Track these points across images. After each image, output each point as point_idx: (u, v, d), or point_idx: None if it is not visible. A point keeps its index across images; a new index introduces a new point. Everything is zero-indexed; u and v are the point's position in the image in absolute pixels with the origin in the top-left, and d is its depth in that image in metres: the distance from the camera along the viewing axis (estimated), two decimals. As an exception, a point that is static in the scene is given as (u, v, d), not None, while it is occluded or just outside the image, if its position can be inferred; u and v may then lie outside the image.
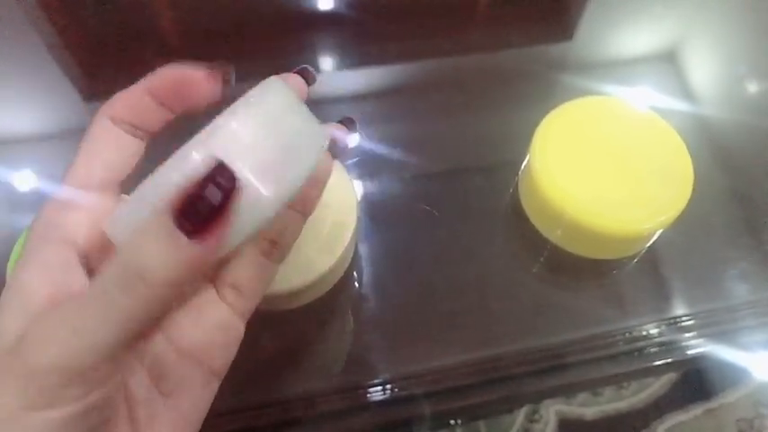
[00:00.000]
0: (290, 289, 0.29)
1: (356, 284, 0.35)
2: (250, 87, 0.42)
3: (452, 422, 0.42)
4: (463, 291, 0.35)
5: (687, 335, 0.35)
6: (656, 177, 0.34)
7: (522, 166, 0.36)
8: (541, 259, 0.37)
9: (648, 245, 0.36)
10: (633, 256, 0.36)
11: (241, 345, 0.29)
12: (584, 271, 0.37)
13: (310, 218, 0.23)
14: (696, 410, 0.77)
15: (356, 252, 0.35)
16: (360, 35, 0.47)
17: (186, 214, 0.16)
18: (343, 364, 0.33)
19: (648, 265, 0.37)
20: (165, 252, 0.16)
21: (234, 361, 0.26)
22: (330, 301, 0.34)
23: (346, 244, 0.31)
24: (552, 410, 0.79)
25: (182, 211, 0.16)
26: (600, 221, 0.32)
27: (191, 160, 0.16)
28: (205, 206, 0.16)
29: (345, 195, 0.32)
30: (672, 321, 0.35)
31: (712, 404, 0.78)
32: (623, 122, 0.35)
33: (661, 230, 0.34)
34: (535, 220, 0.36)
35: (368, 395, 0.32)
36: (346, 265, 0.34)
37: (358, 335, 0.34)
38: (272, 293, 0.29)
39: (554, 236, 0.35)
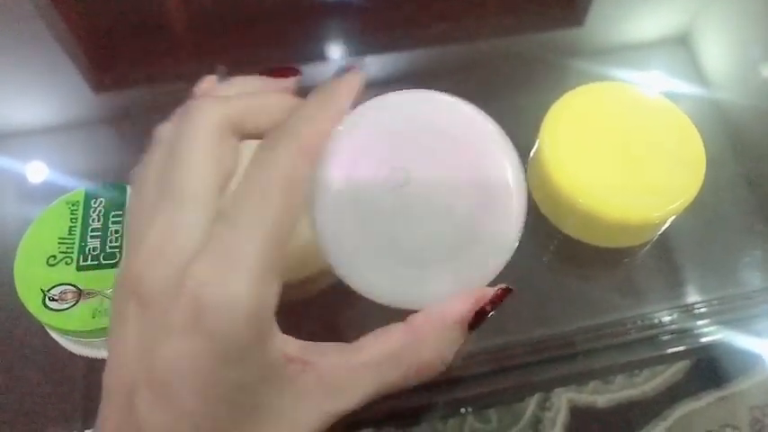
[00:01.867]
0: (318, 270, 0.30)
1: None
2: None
3: (463, 410, 0.42)
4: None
5: (699, 322, 0.34)
6: (667, 164, 0.33)
7: (531, 154, 0.36)
8: (552, 248, 0.36)
9: (660, 232, 0.35)
10: (645, 244, 0.36)
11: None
12: (595, 259, 0.36)
13: None
14: (709, 398, 0.78)
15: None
16: (367, 22, 0.46)
17: (472, 327, 0.22)
18: None
19: (660, 253, 0.36)
20: (449, 357, 0.22)
21: None
22: (339, 290, 0.34)
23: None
24: (564, 398, 0.80)
25: (471, 327, 0.22)
26: (610, 209, 0.32)
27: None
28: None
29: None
30: (684, 309, 0.34)
31: (725, 392, 0.78)
32: (634, 108, 0.35)
33: (673, 217, 0.34)
34: (544, 208, 0.35)
35: None
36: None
37: (367, 324, 0.34)
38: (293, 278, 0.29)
39: (564, 225, 0.35)
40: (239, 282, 0.18)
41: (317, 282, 0.31)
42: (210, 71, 0.44)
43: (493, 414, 0.74)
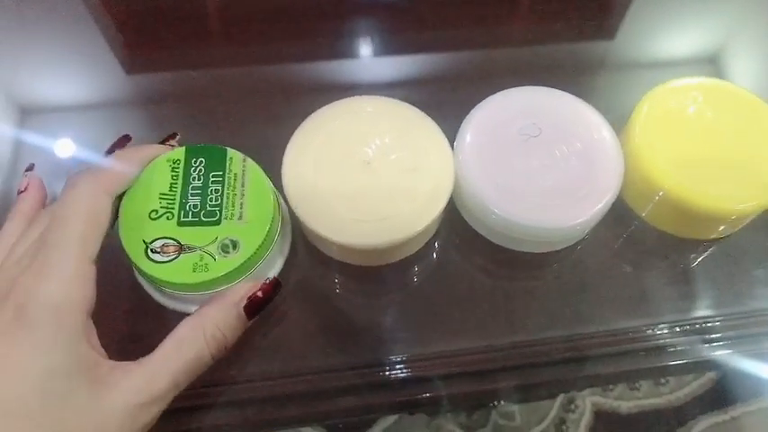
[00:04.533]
0: (390, 242, 0.31)
1: (434, 255, 0.36)
2: (290, 67, 0.45)
3: (492, 404, 0.42)
4: (537, 267, 0.36)
5: (731, 333, 0.34)
6: (757, 162, 0.34)
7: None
8: (625, 235, 0.37)
9: (737, 229, 0.36)
10: (713, 242, 0.37)
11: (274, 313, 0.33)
12: (650, 252, 0.37)
13: (411, 176, 0.32)
14: (734, 412, 0.78)
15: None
16: (400, 21, 0.47)
17: (250, 312, 0.28)
18: (389, 337, 0.34)
19: (724, 256, 0.37)
20: (230, 336, 0.28)
21: (265, 329, 0.33)
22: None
23: (442, 205, 0.32)
24: (588, 401, 0.80)
25: (249, 311, 0.28)
26: (693, 197, 0.33)
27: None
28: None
29: (443, 160, 0.33)
30: (718, 319, 0.35)
31: (752, 407, 0.78)
32: (729, 105, 0.36)
33: (753, 216, 0.34)
34: (627, 193, 0.36)
35: (388, 372, 0.33)
36: (433, 231, 0.35)
37: (409, 309, 0.35)
38: (369, 246, 0.31)
39: (644, 210, 0.36)
40: (50, 284, 0.23)
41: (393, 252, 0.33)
42: (239, 59, 0.45)
43: (517, 412, 0.74)
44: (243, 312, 0.28)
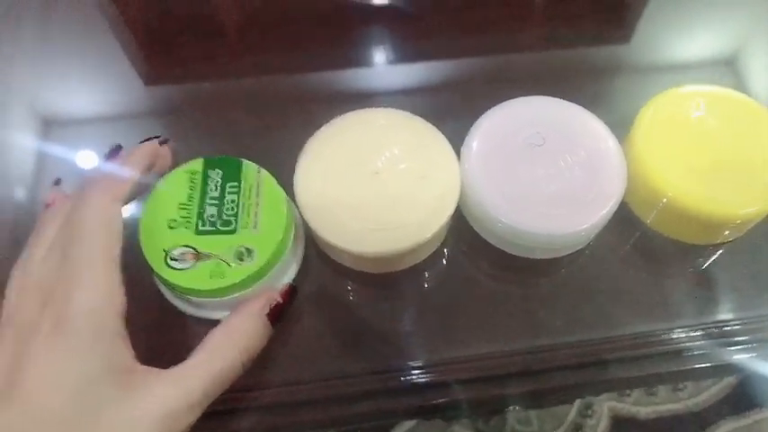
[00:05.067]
0: (398, 250, 0.32)
1: (443, 262, 0.37)
2: (303, 78, 0.45)
3: (510, 408, 0.42)
4: (544, 273, 0.36)
5: (740, 338, 0.34)
6: (758, 166, 0.34)
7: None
8: (631, 241, 0.37)
9: (741, 234, 0.36)
10: (720, 246, 0.37)
11: (296, 320, 0.34)
12: (663, 259, 0.37)
13: (419, 186, 0.33)
14: (755, 416, 0.76)
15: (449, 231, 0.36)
16: (407, 30, 0.48)
17: (274, 318, 0.30)
18: (401, 343, 0.35)
19: (731, 260, 0.37)
20: (259, 342, 0.29)
21: (282, 336, 0.33)
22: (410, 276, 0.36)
23: (449, 213, 0.33)
24: (605, 407, 0.80)
25: (272, 317, 0.30)
26: (696, 202, 0.33)
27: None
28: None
29: (449, 170, 0.34)
30: (737, 323, 0.35)
31: (772, 412, 0.76)
32: (730, 111, 0.36)
33: (757, 220, 0.35)
34: (630, 200, 0.37)
35: (403, 378, 0.33)
36: (441, 238, 0.35)
37: (420, 315, 0.36)
38: (377, 254, 0.32)
39: (648, 216, 0.36)
40: (84, 292, 0.24)
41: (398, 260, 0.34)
42: (254, 71, 0.46)
43: (534, 417, 0.74)
44: (267, 320, 0.29)
